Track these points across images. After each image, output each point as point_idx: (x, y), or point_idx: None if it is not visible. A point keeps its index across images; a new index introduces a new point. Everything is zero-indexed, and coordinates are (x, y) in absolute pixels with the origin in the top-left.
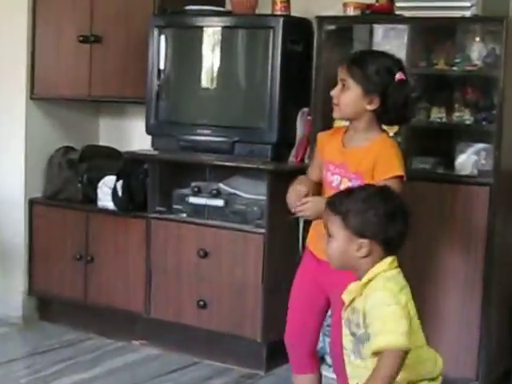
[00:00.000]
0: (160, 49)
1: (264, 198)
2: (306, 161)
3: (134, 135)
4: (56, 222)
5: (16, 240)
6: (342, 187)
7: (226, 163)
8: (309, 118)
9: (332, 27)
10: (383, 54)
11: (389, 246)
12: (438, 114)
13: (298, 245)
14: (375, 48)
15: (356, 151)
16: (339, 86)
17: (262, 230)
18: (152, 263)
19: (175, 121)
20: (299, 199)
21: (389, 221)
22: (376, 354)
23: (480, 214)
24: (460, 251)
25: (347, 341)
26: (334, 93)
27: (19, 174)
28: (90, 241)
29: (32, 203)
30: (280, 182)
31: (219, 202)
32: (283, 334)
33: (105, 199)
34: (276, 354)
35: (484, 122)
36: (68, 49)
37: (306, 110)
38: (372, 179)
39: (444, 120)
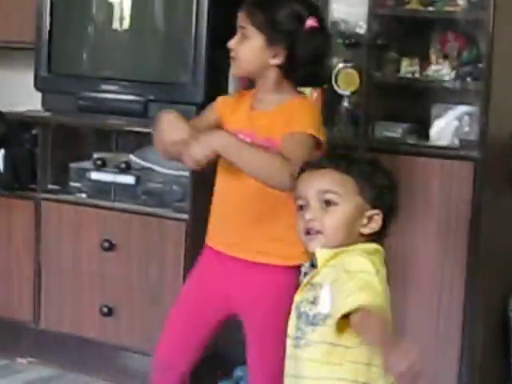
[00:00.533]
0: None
1: (186, 173)
2: None
3: (19, 91)
4: None
5: None
6: None
7: (138, 129)
8: None
9: None
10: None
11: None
12: (409, 68)
13: None
14: None
15: (264, 115)
16: (238, 35)
17: (184, 216)
18: (42, 259)
19: (73, 73)
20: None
21: (394, 191)
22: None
23: (463, 195)
24: (437, 243)
25: (293, 326)
26: (231, 43)
27: None
28: None
29: None
30: None
31: (129, 179)
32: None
33: None
34: (200, 376)
35: (468, 79)
36: None
37: None
38: None
39: (417, 75)
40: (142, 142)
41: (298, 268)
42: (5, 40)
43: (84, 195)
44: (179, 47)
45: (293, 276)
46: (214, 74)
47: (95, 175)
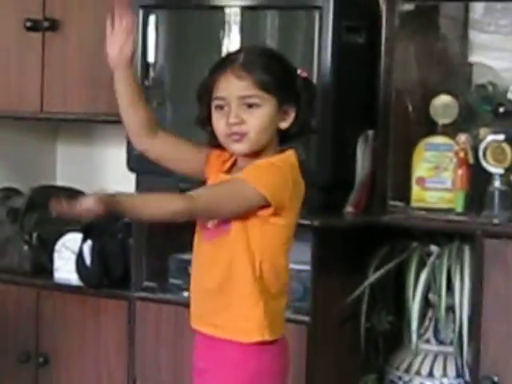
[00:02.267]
0: (148, 39)
1: (308, 268)
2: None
3: (108, 171)
4: None
5: None
6: (210, 224)
7: None
8: (375, 145)
9: (410, 7)
10: (269, 50)
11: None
12: None
13: (359, 341)
14: (475, 35)
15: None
16: (237, 107)
17: (305, 318)
18: (137, 368)
19: None
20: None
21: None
22: None
23: None
24: None
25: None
26: (235, 117)
27: None
28: (43, 333)
29: None
30: (332, 243)
31: None
32: None
33: (65, 269)
34: None
35: None
36: (8, 40)
37: (370, 132)
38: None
39: None
40: None
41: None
42: (93, 112)
43: (186, 293)
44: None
45: (253, 357)
46: (338, 149)
47: None
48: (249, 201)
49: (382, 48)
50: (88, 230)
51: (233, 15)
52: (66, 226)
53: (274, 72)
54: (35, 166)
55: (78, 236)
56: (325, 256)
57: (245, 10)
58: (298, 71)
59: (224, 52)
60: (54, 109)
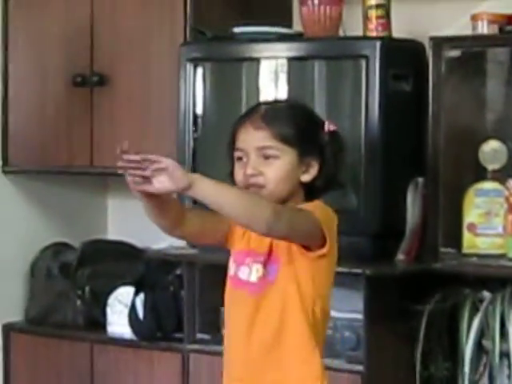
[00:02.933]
0: (196, 91)
1: (360, 317)
2: (423, 258)
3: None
4: (44, 358)
5: None
6: (254, 278)
7: None
8: (425, 192)
9: (456, 53)
10: (292, 102)
11: None
12: None
13: None
14: None
15: None
16: (255, 158)
17: (359, 368)
18: None
19: None
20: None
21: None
22: None
23: None
24: None
25: None
26: (252, 169)
27: None
28: None
29: (8, 331)
30: (384, 292)
31: None
32: None
33: (118, 323)
34: None
35: None
36: (57, 96)
37: (420, 180)
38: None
39: None
40: None
41: None
42: None
43: None
44: (346, 166)
45: None
46: (390, 197)
47: None
48: (316, 228)
49: (430, 94)
50: (140, 283)
51: (280, 66)
52: (118, 279)
53: (295, 124)
54: (86, 220)
55: (131, 289)
56: (377, 304)
57: (292, 60)
58: (326, 124)
59: None
60: (103, 162)
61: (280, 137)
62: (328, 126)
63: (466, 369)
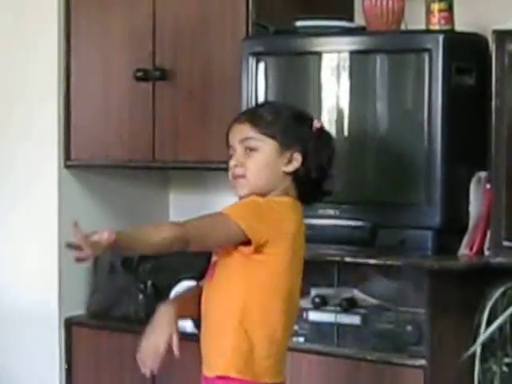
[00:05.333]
0: (258, 85)
1: (423, 311)
2: (486, 253)
3: None
4: (106, 352)
5: (47, 381)
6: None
7: (364, 260)
8: (488, 186)
9: None
10: (284, 104)
11: None
12: None
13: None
14: None
15: None
16: (239, 151)
17: (422, 362)
18: None
19: None
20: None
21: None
22: None
23: None
24: None
25: None
26: (235, 160)
27: (51, 280)
28: (160, 380)
29: (70, 325)
30: (447, 286)
31: (354, 319)
32: None
33: None
34: None
35: None
36: (119, 90)
37: (483, 174)
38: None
39: None
40: (369, 274)
41: None
42: (205, 160)
43: (301, 339)
44: (408, 161)
45: None
46: (452, 191)
47: (314, 315)
48: (231, 231)
49: (493, 88)
50: (202, 277)
51: (342, 60)
52: (180, 273)
53: (276, 116)
54: (148, 214)
55: (192, 283)
56: (440, 299)
57: (354, 54)
58: (314, 122)
59: (332, 96)
60: (165, 157)
61: (259, 128)
62: (315, 124)
63: None
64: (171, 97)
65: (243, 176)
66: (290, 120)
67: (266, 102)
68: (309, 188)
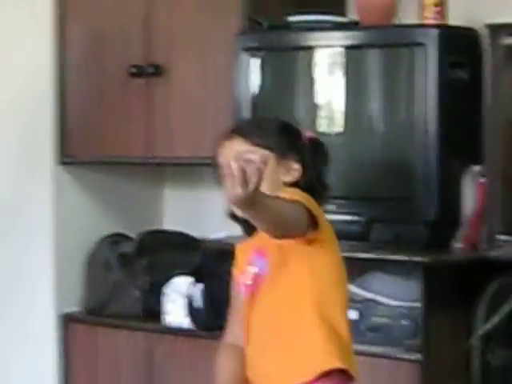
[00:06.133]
0: (252, 81)
1: (418, 305)
2: (481, 246)
3: (216, 214)
4: (102, 348)
5: (43, 377)
6: (250, 281)
7: (359, 254)
8: (481, 180)
9: None
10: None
11: None
12: None
13: (472, 376)
14: None
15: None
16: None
17: (417, 356)
18: None
19: None
20: None
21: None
22: None
23: None
24: None
25: None
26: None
27: (46, 276)
28: (156, 377)
29: (66, 321)
30: (442, 280)
31: (351, 314)
32: None
33: (176, 313)
34: None
35: None
36: (113, 86)
37: (477, 168)
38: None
39: None
40: (364, 269)
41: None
42: (200, 156)
43: None
44: (404, 154)
45: None
46: (446, 185)
47: None
48: (305, 219)
49: (486, 82)
50: (197, 273)
51: (336, 54)
52: (175, 269)
53: (265, 129)
54: (143, 210)
55: (188, 279)
56: (435, 292)
57: (347, 49)
58: (302, 132)
59: (326, 91)
60: (160, 153)
61: (252, 140)
62: (305, 134)
63: None
64: (165, 93)
65: None
66: (280, 130)
67: (250, 118)
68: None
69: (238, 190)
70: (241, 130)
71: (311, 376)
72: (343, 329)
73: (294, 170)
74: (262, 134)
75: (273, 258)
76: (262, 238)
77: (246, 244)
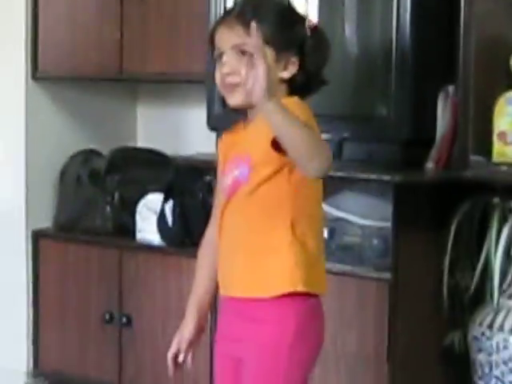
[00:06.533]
0: None
1: (388, 224)
2: (453, 167)
3: (189, 131)
4: (74, 264)
5: (14, 293)
6: (230, 182)
7: (331, 173)
8: (455, 100)
9: None
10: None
11: None
12: None
13: (443, 298)
14: None
15: (248, 131)
16: (231, 57)
17: (387, 275)
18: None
19: None
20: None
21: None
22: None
23: None
24: None
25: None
26: (228, 69)
27: (17, 193)
28: (126, 293)
29: (37, 237)
30: (414, 200)
31: None
32: None
33: (147, 229)
34: None
35: None
36: (88, 2)
37: (450, 88)
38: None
39: None
40: (335, 188)
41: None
42: (173, 72)
43: None
44: (377, 73)
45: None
46: (420, 104)
47: None
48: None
49: (461, 1)
50: (169, 190)
51: None
52: (147, 186)
53: (270, 20)
54: (115, 127)
55: (160, 196)
56: (406, 212)
57: None
58: (307, 20)
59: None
60: (133, 69)
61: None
62: (309, 22)
63: (496, 278)
64: (138, 7)
65: (239, 84)
66: (283, 20)
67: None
68: (304, 93)
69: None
70: (244, 17)
71: (273, 294)
72: (314, 247)
73: (292, 64)
74: (264, 26)
75: (256, 166)
76: (248, 139)
77: (231, 136)
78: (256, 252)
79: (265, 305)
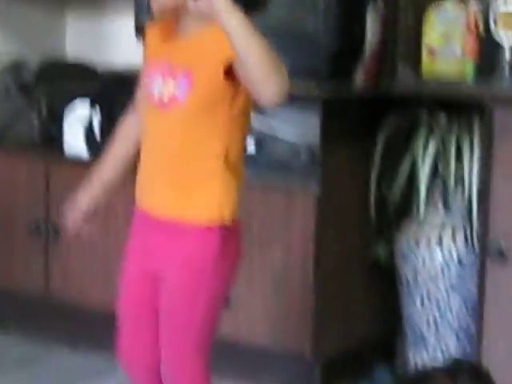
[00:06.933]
0: None
1: (316, 139)
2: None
3: (118, 41)
4: (1, 176)
5: None
6: (164, 93)
7: None
8: (385, 12)
9: None
10: None
11: None
12: None
13: (368, 210)
14: None
15: (185, 45)
16: None
17: (313, 188)
18: None
19: None
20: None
21: None
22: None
23: None
24: None
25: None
26: None
27: None
28: (53, 204)
29: None
30: (341, 114)
31: (248, 148)
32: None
33: (75, 140)
34: (338, 375)
35: None
36: None
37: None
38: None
39: None
40: None
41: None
42: None
43: None
44: None
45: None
46: (350, 16)
47: None
48: None
49: None
50: (97, 102)
51: None
52: (75, 95)
53: None
54: (44, 38)
55: (88, 108)
56: (334, 126)
57: None
58: None
59: None
60: None
61: None
62: None
63: (422, 192)
64: None
65: None
66: None
67: None
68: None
69: None
70: None
71: (199, 224)
72: (243, 171)
73: None
74: None
75: (197, 86)
76: (189, 51)
77: (161, 34)
78: (184, 179)
79: (189, 227)
